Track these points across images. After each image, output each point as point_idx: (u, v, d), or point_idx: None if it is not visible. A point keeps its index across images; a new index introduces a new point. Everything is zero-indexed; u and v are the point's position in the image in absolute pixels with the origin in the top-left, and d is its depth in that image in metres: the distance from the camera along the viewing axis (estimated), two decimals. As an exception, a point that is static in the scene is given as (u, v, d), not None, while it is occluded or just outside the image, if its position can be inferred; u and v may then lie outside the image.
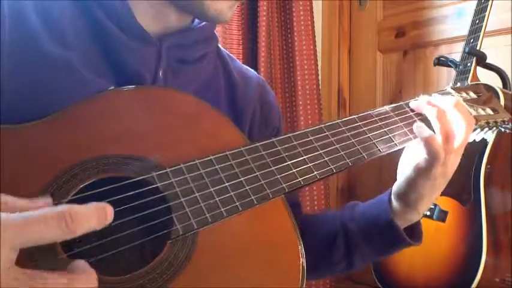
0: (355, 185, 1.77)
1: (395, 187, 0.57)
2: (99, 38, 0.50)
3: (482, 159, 1.06)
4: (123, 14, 0.50)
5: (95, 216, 0.31)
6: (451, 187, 1.10)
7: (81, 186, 0.39)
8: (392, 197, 0.58)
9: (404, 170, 0.56)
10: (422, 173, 0.53)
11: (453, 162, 0.54)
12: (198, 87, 0.56)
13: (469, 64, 1.13)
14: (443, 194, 1.11)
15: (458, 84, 0.69)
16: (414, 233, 0.60)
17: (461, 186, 1.08)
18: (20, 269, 0.29)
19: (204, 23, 0.58)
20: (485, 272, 0.99)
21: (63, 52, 0.47)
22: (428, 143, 0.51)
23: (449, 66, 1.22)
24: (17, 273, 0.29)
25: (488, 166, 1.06)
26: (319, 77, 1.60)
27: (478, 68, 1.13)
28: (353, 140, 0.50)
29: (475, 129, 0.59)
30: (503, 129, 0.63)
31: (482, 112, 0.59)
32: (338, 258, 0.61)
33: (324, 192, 1.57)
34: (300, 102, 1.53)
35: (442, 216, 1.10)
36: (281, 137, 0.47)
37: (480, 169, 1.06)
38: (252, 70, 0.67)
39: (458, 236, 1.07)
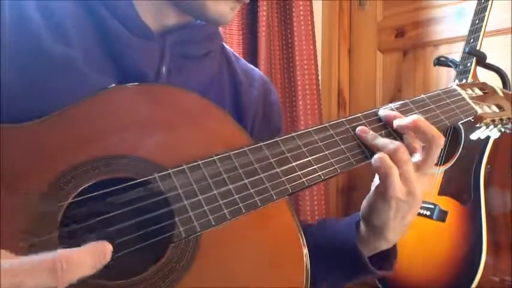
0: (355, 185, 1.77)
1: (361, 209, 0.52)
2: (103, 36, 0.49)
3: (482, 159, 1.06)
4: (128, 12, 0.50)
5: (91, 261, 0.29)
6: (451, 187, 1.10)
7: (82, 188, 0.38)
8: (361, 219, 0.53)
9: (370, 189, 0.50)
10: (380, 194, 0.47)
11: (421, 182, 0.47)
12: (202, 84, 0.56)
13: (469, 64, 1.13)
14: (443, 193, 1.12)
15: (464, 81, 0.69)
16: (387, 260, 0.54)
17: (461, 186, 1.08)
18: None
19: None
20: (485, 272, 0.99)
21: (65, 50, 0.46)
22: (376, 164, 0.46)
23: (449, 66, 1.22)
24: None
25: (488, 166, 1.05)
26: (319, 77, 1.60)
27: (478, 68, 1.13)
28: (358, 141, 0.49)
29: (479, 127, 0.59)
30: (503, 129, 0.62)
31: (487, 109, 0.59)
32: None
33: (324, 192, 1.57)
34: (300, 102, 1.52)
35: (442, 216, 1.10)
36: (285, 137, 0.47)
37: (480, 169, 1.06)
38: (257, 69, 0.66)
39: (458, 236, 1.07)
